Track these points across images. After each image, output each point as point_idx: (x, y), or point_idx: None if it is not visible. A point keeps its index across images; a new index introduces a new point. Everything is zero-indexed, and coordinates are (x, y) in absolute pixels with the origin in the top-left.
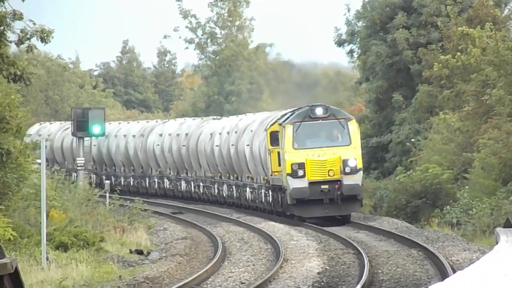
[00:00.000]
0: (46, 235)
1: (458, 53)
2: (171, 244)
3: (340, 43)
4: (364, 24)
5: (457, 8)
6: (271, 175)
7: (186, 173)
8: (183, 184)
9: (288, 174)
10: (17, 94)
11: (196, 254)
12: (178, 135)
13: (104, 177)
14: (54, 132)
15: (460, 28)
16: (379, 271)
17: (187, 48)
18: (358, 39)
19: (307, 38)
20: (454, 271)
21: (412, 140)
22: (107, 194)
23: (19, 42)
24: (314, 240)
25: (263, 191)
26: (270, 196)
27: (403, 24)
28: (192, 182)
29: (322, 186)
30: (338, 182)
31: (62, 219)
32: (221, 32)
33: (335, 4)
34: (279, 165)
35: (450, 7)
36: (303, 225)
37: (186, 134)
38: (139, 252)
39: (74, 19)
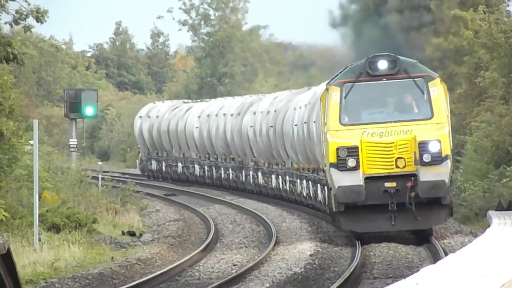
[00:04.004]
0: (39, 216)
1: (451, 36)
2: (164, 226)
3: (333, 25)
4: (357, 8)
5: None
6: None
7: (277, 164)
8: (273, 179)
9: (332, 165)
10: (10, 75)
11: (188, 236)
12: (268, 112)
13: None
14: (162, 112)
15: (452, 11)
16: (371, 253)
17: (180, 29)
18: (352, 23)
19: (302, 20)
20: (446, 254)
21: None
22: (100, 176)
23: (15, 22)
24: (306, 222)
25: (318, 186)
26: (325, 193)
27: (396, 8)
28: (280, 177)
29: (387, 184)
30: (412, 178)
31: (55, 201)
32: (215, 14)
33: None
34: None
35: None
36: (296, 207)
37: (275, 111)
38: (132, 234)
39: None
